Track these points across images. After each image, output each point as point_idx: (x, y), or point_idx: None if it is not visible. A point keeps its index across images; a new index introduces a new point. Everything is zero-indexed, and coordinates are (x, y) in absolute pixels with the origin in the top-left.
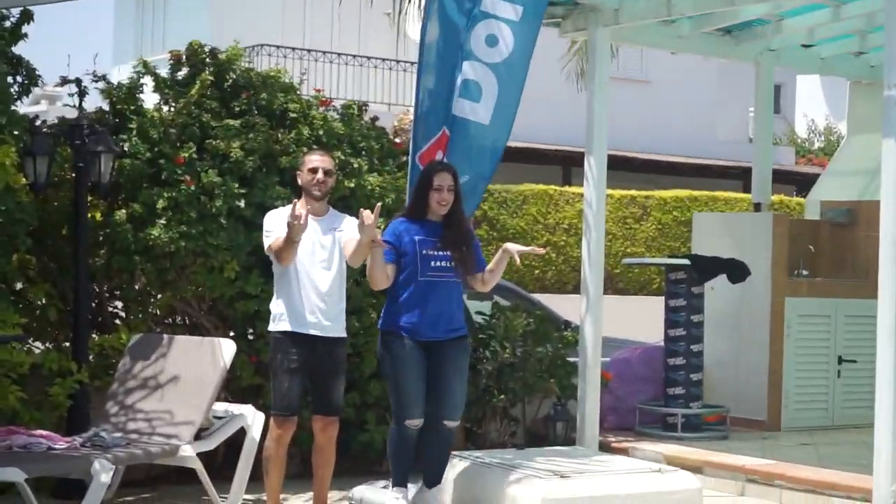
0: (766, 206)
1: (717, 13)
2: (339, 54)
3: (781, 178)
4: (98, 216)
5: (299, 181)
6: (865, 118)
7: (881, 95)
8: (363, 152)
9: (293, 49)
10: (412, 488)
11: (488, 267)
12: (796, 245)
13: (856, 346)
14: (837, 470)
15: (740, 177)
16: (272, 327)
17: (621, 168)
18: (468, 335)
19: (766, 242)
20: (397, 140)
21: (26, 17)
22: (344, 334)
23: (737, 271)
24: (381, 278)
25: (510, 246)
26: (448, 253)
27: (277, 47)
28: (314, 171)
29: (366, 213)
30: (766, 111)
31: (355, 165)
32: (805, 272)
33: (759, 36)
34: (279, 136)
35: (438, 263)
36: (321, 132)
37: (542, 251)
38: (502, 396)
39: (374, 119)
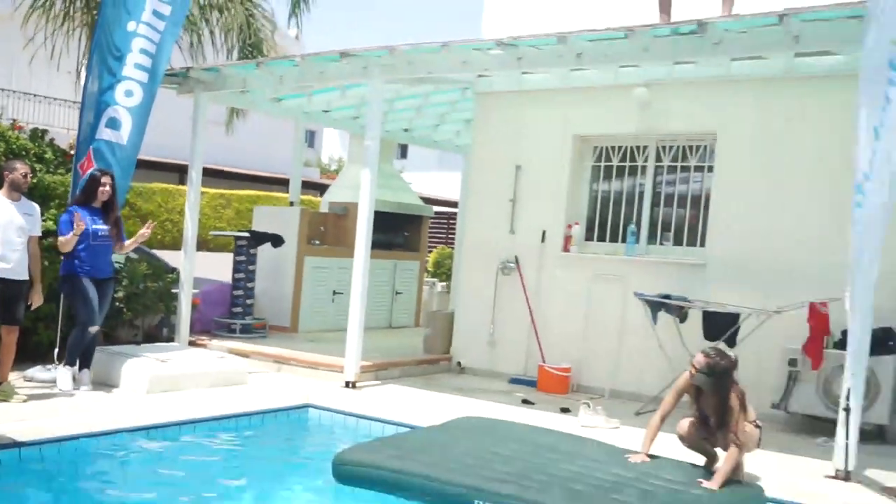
0: (297, 203)
1: (270, 90)
2: (34, 95)
3: (311, 187)
4: None
5: (7, 178)
6: (356, 155)
7: (363, 143)
8: (41, 160)
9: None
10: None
11: (127, 242)
12: (314, 226)
13: (343, 285)
14: (327, 355)
15: (286, 184)
16: None
17: (215, 175)
18: (115, 276)
19: (296, 224)
20: (71, 153)
21: None
22: (26, 277)
23: (278, 240)
24: (70, 247)
25: (141, 234)
26: (107, 227)
27: None
28: (26, 175)
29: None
30: (300, 147)
31: (38, 169)
32: (317, 242)
33: (297, 105)
34: None
35: (102, 233)
36: (15, 147)
37: (148, 232)
38: (129, 313)
39: (52, 139)
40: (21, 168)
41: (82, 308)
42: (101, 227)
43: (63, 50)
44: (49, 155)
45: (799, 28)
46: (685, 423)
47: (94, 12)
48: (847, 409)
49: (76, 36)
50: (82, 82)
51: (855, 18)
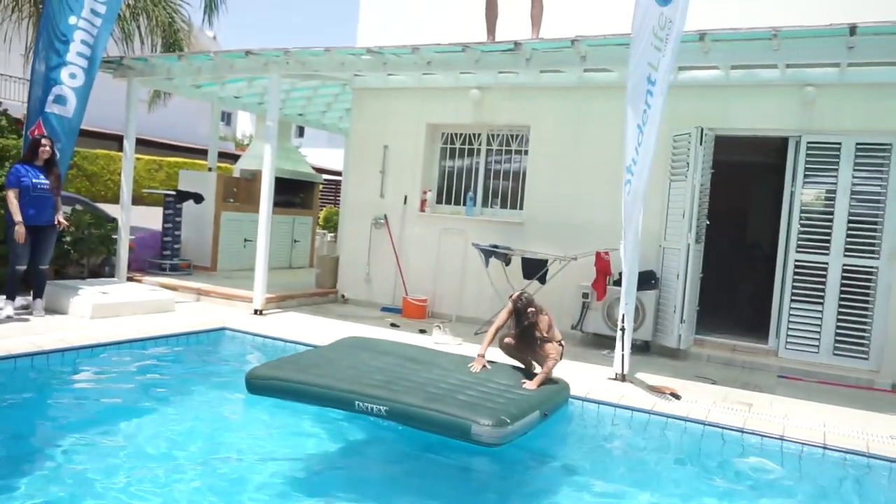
0: (215, 169)
1: (190, 79)
2: None
3: (228, 156)
4: None
5: None
6: (261, 132)
7: (265, 123)
8: None
9: None
10: (19, 300)
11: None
12: (228, 188)
13: (252, 234)
14: (239, 289)
15: (206, 153)
16: None
17: (150, 145)
18: (55, 224)
19: (213, 185)
20: (22, 121)
21: None
22: None
23: (199, 198)
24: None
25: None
26: (47, 181)
27: None
28: None
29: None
30: (216, 124)
31: None
32: (231, 200)
33: (213, 91)
34: None
35: (42, 185)
36: None
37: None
38: (76, 254)
39: (6, 110)
40: None
41: (13, 251)
42: (42, 181)
43: (14, 36)
44: (4, 123)
45: (586, 50)
46: (507, 339)
47: (40, 5)
48: (622, 329)
49: (24, 25)
50: (31, 63)
51: (625, 45)
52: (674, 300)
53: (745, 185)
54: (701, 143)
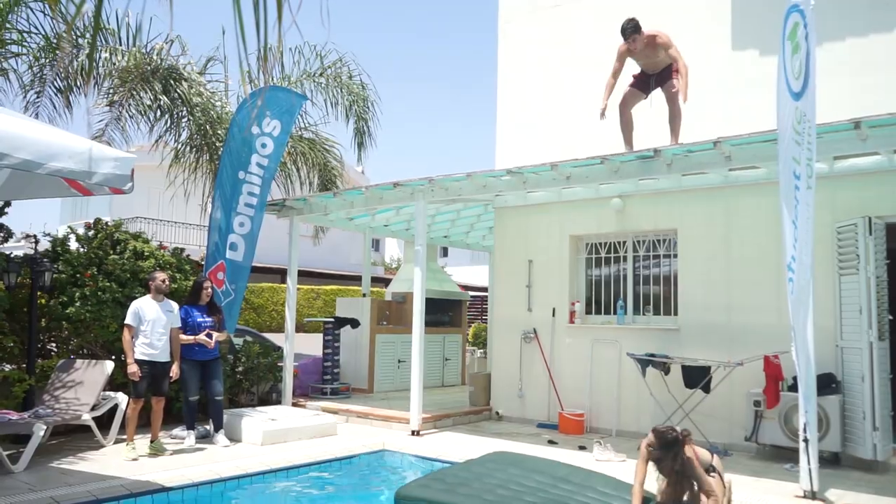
0: (368, 294)
1: (344, 212)
2: (172, 222)
3: (378, 281)
4: (43, 301)
5: (152, 285)
6: (410, 256)
7: (414, 248)
8: (180, 271)
9: (147, 219)
10: (199, 430)
11: (215, 337)
12: (381, 311)
13: (405, 355)
14: (395, 410)
15: (360, 280)
16: (136, 356)
17: (308, 275)
18: (220, 357)
19: (368, 310)
20: (201, 264)
21: (6, 203)
22: (169, 359)
23: (356, 323)
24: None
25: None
26: (210, 319)
27: (139, 218)
28: (164, 281)
29: (205, 339)
30: (368, 252)
31: (178, 277)
32: (385, 322)
33: (365, 222)
34: (139, 263)
35: (206, 324)
36: (161, 261)
37: (207, 340)
38: (247, 383)
39: (188, 255)
40: (160, 276)
41: (184, 383)
42: (206, 320)
43: (192, 189)
44: (186, 266)
45: (729, 150)
46: (660, 484)
47: (216, 163)
48: (806, 440)
49: (202, 179)
50: (208, 212)
51: (770, 142)
52: (861, 405)
53: None
54: (870, 233)
